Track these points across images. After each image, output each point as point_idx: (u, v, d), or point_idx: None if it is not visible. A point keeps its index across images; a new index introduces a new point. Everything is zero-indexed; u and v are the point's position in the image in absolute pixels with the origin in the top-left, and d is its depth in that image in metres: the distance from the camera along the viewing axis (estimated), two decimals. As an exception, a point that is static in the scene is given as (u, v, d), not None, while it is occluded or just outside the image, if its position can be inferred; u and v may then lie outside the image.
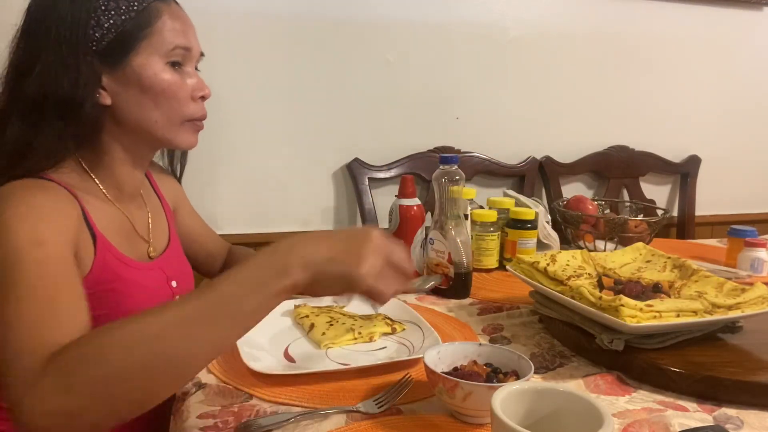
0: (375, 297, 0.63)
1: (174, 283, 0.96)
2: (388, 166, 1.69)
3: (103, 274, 0.82)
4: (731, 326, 0.90)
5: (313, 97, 1.62)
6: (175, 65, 0.83)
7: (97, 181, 0.86)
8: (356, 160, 1.66)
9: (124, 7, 0.79)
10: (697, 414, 0.72)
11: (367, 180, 1.66)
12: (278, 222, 1.64)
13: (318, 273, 0.59)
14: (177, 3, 0.86)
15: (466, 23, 1.72)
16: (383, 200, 1.65)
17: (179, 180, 1.10)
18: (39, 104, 0.77)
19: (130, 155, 0.87)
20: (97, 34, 0.78)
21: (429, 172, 1.62)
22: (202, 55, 0.89)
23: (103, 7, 0.78)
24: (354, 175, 1.66)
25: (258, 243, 1.28)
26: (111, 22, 0.78)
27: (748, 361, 0.82)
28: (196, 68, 0.90)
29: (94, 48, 0.78)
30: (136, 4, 0.79)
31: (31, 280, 0.67)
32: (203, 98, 0.88)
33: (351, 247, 0.60)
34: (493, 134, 1.81)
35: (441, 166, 1.13)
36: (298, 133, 1.62)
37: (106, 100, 0.81)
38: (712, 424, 0.69)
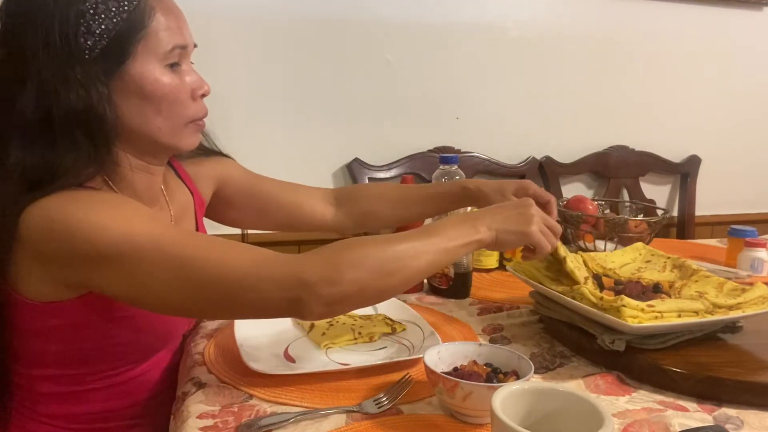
0: (541, 246, 0.83)
1: None
2: (388, 166, 1.69)
3: None
4: (732, 326, 0.90)
5: (314, 97, 1.62)
6: (173, 66, 0.78)
7: (117, 191, 0.81)
8: (356, 160, 1.66)
9: (114, 9, 0.71)
10: (697, 414, 0.72)
11: (367, 180, 1.66)
12: (278, 222, 1.64)
13: (500, 232, 0.79)
14: None
15: (466, 23, 1.72)
16: (383, 200, 1.65)
17: (221, 152, 1.05)
18: (44, 123, 0.70)
19: (142, 162, 0.82)
20: (89, 42, 0.71)
21: (429, 172, 1.62)
22: (195, 46, 0.83)
23: (91, 11, 0.70)
24: (354, 175, 1.65)
25: (258, 243, 1.26)
26: (102, 26, 0.71)
27: (749, 361, 0.82)
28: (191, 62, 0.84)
29: (87, 56, 0.71)
30: (126, 3, 0.72)
31: (183, 239, 0.71)
32: (203, 96, 0.83)
33: (521, 213, 0.82)
34: (493, 134, 1.81)
35: (441, 166, 1.13)
36: (298, 133, 1.62)
37: (110, 109, 0.75)
38: (712, 424, 0.69)
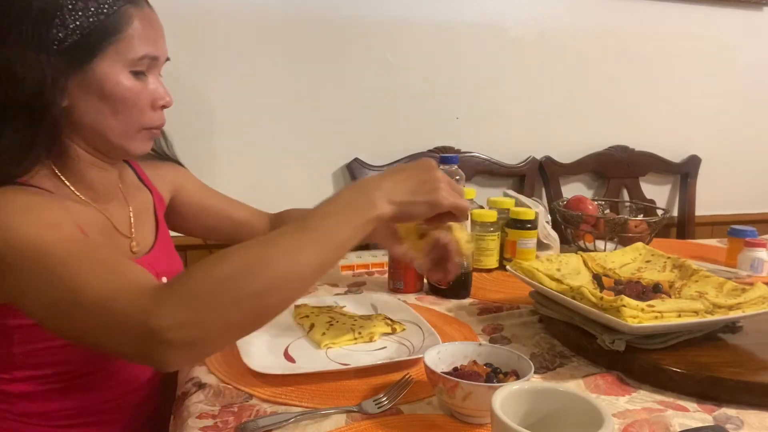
0: (459, 210, 0.74)
1: (164, 279, 0.91)
2: (388, 166, 1.69)
3: None
4: (732, 326, 0.90)
5: (313, 97, 1.62)
6: (138, 74, 0.80)
7: (69, 185, 0.82)
8: (356, 160, 1.66)
9: (92, 9, 0.74)
10: (697, 414, 0.72)
11: (367, 180, 1.66)
12: (278, 222, 1.64)
13: (403, 204, 0.69)
14: (150, 7, 0.82)
15: (466, 23, 1.72)
16: (383, 200, 1.65)
17: (177, 160, 1.06)
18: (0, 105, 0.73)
19: (95, 158, 0.84)
20: (60, 34, 0.73)
21: (429, 172, 1.62)
22: (167, 59, 0.85)
23: (69, 6, 0.73)
24: (354, 175, 1.65)
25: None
26: (77, 23, 0.73)
27: (749, 361, 0.82)
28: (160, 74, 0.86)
29: (55, 47, 0.73)
30: (106, 7, 0.75)
31: (69, 253, 0.65)
32: (164, 107, 0.84)
33: (424, 178, 0.71)
34: (493, 134, 1.81)
35: (441, 166, 1.13)
36: (298, 133, 1.62)
37: (64, 102, 0.76)
38: (712, 424, 0.69)
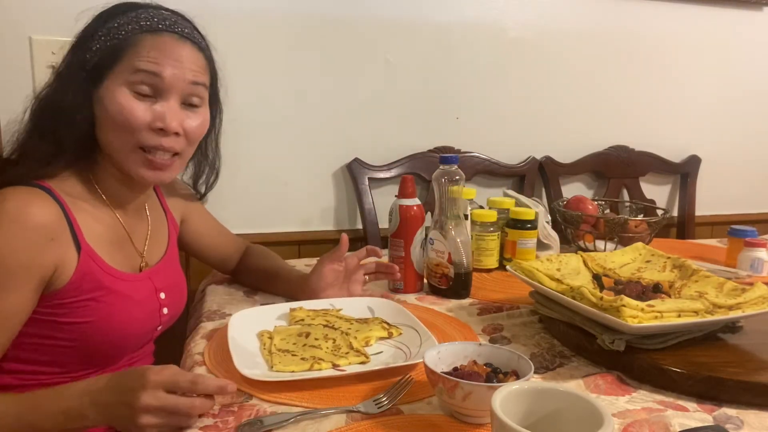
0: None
1: (162, 295, 0.98)
2: (388, 166, 1.69)
3: (84, 283, 0.84)
4: (732, 326, 0.90)
5: (313, 97, 1.62)
6: (143, 95, 0.84)
7: (101, 192, 0.90)
8: (356, 160, 1.66)
9: (112, 34, 0.84)
10: (697, 414, 0.72)
11: (367, 180, 1.66)
12: (278, 222, 1.64)
13: (113, 427, 0.73)
14: (173, 34, 0.86)
15: (466, 23, 1.72)
16: (383, 200, 1.65)
17: (203, 196, 1.12)
18: (38, 115, 0.84)
19: (120, 174, 0.90)
20: (87, 56, 0.84)
21: (429, 172, 1.62)
22: (198, 84, 0.88)
23: (100, 34, 0.84)
24: (354, 175, 1.65)
25: (258, 243, 1.28)
26: (98, 46, 0.84)
27: (749, 360, 0.82)
28: (194, 104, 0.88)
29: (84, 67, 0.84)
30: (122, 32, 0.84)
31: None
32: (162, 130, 0.85)
33: (126, 403, 0.67)
34: (493, 134, 1.80)
35: (441, 166, 1.13)
36: (298, 133, 1.62)
37: (88, 115, 0.85)
38: (712, 424, 0.69)
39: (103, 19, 0.85)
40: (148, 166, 0.87)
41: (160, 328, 0.99)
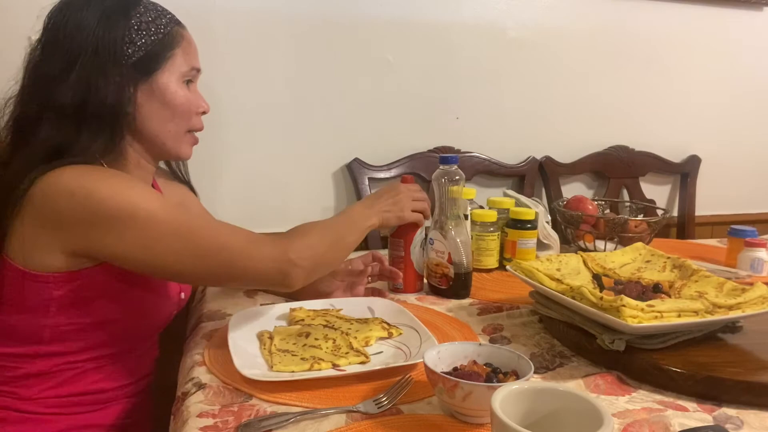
0: (417, 222, 1.12)
1: (183, 295, 1.04)
2: (388, 166, 1.69)
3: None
4: (731, 326, 0.90)
5: (313, 96, 1.62)
6: (188, 83, 0.94)
7: None
8: (356, 160, 1.66)
9: (153, 29, 0.89)
10: (697, 414, 0.72)
11: (367, 180, 1.66)
12: (278, 222, 1.63)
13: (383, 219, 1.04)
14: (186, 29, 0.96)
15: (466, 23, 1.72)
16: (383, 200, 1.65)
17: (190, 185, 1.16)
18: (78, 109, 0.84)
19: (143, 160, 0.95)
20: (129, 50, 0.87)
21: (429, 172, 1.62)
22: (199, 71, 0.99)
23: (135, 27, 0.87)
24: (354, 175, 1.65)
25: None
26: (143, 41, 0.88)
27: (749, 360, 0.82)
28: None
29: (125, 62, 0.86)
30: (162, 27, 0.90)
31: (191, 215, 0.92)
32: (204, 113, 0.98)
33: (395, 201, 1.07)
34: (493, 134, 1.80)
35: (441, 166, 1.13)
36: (298, 133, 1.62)
37: (131, 108, 0.88)
38: (712, 424, 0.69)
39: (121, 11, 0.87)
40: (192, 145, 0.99)
41: (175, 312, 1.04)
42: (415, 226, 1.13)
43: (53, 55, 0.85)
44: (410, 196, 1.09)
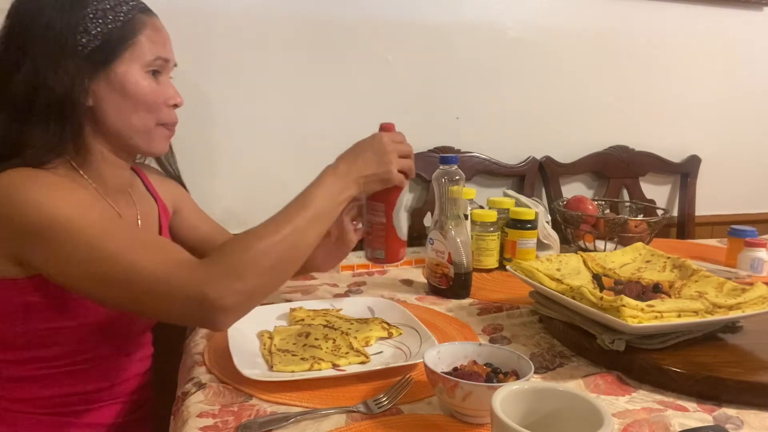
0: (402, 184, 0.94)
1: None
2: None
3: None
4: (731, 326, 0.90)
5: (313, 96, 1.62)
6: (154, 74, 0.88)
7: (87, 178, 0.88)
8: (356, 160, 1.66)
9: (110, 17, 0.83)
10: (697, 414, 0.72)
11: (367, 180, 1.65)
12: (278, 222, 1.64)
13: (365, 184, 0.89)
14: (157, 17, 0.90)
15: (466, 23, 1.72)
16: (383, 200, 1.65)
17: (181, 180, 1.12)
18: (29, 102, 0.79)
19: (112, 155, 0.90)
20: (83, 40, 0.81)
21: (429, 172, 1.62)
22: (175, 65, 0.94)
23: (91, 15, 0.81)
24: (354, 175, 1.65)
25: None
26: (98, 30, 0.82)
27: (749, 360, 0.82)
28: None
29: (80, 51, 0.81)
30: (122, 15, 0.84)
31: (109, 232, 0.75)
32: (175, 106, 0.92)
33: (378, 158, 0.91)
34: (493, 134, 1.80)
35: (441, 166, 1.13)
36: (298, 133, 1.62)
37: (89, 102, 0.83)
38: (712, 424, 0.69)
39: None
40: (167, 140, 0.93)
41: None
42: (397, 187, 0.93)
43: (9, 46, 0.81)
44: (396, 150, 0.92)
